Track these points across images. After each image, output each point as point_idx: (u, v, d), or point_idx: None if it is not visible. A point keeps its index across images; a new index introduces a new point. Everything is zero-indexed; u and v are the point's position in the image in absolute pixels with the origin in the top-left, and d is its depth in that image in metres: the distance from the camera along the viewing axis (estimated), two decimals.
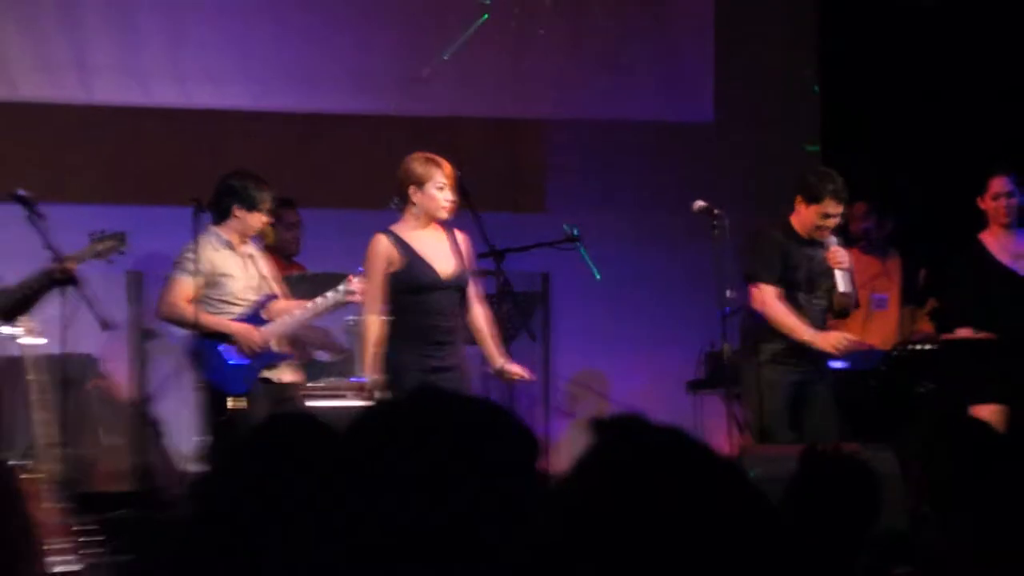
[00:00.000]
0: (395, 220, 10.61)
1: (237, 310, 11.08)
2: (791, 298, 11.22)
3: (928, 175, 13.44)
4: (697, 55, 14.13)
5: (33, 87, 12.79)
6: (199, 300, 11.01)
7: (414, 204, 10.44)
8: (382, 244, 10.50)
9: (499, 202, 12.81)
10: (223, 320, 11.06)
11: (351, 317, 11.79)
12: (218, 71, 13.25)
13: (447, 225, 10.62)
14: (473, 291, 10.77)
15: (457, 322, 10.68)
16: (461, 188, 10.66)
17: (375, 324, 10.67)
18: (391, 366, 10.50)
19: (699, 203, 11.44)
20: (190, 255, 10.95)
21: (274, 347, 11.12)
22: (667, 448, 2.51)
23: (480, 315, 10.76)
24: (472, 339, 11.00)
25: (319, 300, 11.05)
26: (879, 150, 14.09)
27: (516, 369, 10.75)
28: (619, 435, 2.53)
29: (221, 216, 11.13)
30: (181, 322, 11.10)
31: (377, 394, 10.59)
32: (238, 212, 11.09)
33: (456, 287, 10.61)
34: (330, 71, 13.52)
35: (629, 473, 2.46)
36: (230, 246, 11.14)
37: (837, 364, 11.58)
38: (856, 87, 14.86)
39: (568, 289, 12.86)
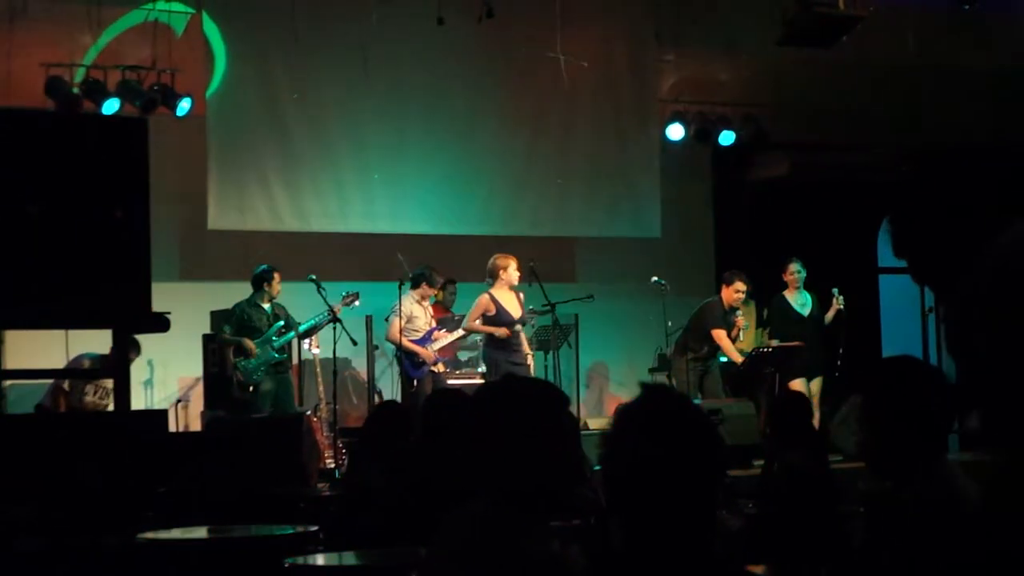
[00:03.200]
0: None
1: (420, 335, 11.80)
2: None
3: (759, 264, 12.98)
4: (649, 197, 13.93)
5: (311, 223, 12.96)
6: (403, 330, 11.72)
7: (501, 278, 11.26)
8: (485, 298, 11.32)
9: (553, 276, 12.52)
10: (413, 345, 11.72)
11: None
12: (397, 211, 13.19)
13: (516, 290, 11.40)
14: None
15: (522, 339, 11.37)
16: (531, 270, 11.49)
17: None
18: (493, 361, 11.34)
19: (654, 278, 12.46)
20: (400, 307, 11.76)
21: (436, 356, 11.87)
22: (670, 391, 2.75)
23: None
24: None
25: (457, 331, 11.97)
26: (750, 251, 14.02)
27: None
28: (651, 387, 2.65)
29: (415, 286, 11.94)
30: (395, 344, 11.88)
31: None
32: (424, 285, 11.92)
33: (521, 322, 11.32)
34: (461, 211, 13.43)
35: (656, 402, 2.61)
36: (419, 302, 11.90)
37: (724, 359, 12.16)
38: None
39: (588, 322, 12.43)
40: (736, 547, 5.56)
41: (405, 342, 11.78)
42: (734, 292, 12.02)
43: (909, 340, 15.63)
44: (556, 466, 2.99)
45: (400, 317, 11.78)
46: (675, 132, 14.17)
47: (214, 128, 12.53)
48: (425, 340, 11.86)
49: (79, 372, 11.67)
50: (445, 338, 12.00)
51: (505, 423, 2.99)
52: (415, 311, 11.93)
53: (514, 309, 11.25)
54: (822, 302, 12.37)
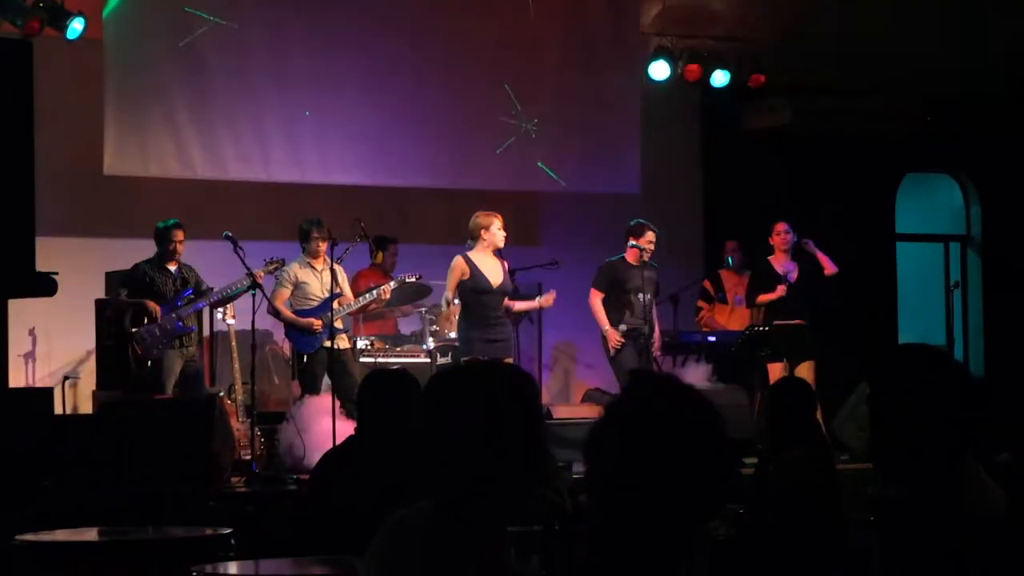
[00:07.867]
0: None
1: (315, 303, 11.80)
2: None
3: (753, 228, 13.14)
4: (628, 146, 13.98)
5: (228, 171, 12.97)
6: (292, 299, 11.83)
7: (483, 239, 11.17)
8: (459, 260, 11.17)
9: (513, 239, 11.70)
10: (291, 314, 11.80)
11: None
12: (328, 159, 13.29)
13: (500, 254, 11.24)
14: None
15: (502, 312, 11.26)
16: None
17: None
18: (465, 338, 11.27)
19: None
20: (284, 273, 11.87)
21: (337, 325, 11.74)
22: (668, 379, 2.72)
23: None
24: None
25: (360, 298, 12.03)
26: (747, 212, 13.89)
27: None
28: (640, 375, 2.67)
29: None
30: (276, 316, 12.02)
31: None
32: (304, 244, 11.90)
33: (502, 292, 11.21)
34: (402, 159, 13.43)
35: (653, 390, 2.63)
36: (310, 264, 11.88)
37: (712, 338, 12.24)
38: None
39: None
40: (725, 560, 5.56)
41: (283, 310, 11.90)
42: (647, 243, 11.98)
43: (930, 318, 15.85)
44: (520, 468, 2.98)
45: (285, 286, 11.90)
46: (659, 71, 14.21)
47: (112, 54, 12.40)
48: (321, 309, 11.81)
49: None
50: (347, 305, 12.04)
51: (462, 416, 2.98)
52: (301, 276, 11.96)
53: (494, 276, 11.21)
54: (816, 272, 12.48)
